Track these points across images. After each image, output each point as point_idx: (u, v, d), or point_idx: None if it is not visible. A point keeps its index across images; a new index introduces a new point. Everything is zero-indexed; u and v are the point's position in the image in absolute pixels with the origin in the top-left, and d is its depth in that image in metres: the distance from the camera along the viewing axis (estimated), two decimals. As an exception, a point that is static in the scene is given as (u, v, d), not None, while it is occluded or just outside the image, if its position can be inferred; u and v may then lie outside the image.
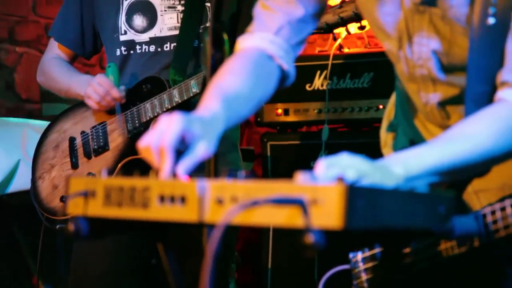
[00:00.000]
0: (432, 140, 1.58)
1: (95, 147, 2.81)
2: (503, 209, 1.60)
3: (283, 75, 1.88)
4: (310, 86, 3.68)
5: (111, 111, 2.80)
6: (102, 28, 2.92)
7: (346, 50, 3.69)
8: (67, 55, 3.04)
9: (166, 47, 2.79)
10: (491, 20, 1.63)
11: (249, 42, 1.88)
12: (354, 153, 1.41)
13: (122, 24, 2.84)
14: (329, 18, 2.97)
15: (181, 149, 1.49)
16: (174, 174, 1.45)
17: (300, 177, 1.31)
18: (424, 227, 1.36)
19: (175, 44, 2.76)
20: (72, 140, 2.87)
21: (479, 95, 1.66)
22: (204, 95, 1.68)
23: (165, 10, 2.80)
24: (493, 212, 1.62)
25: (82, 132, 2.86)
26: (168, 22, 2.80)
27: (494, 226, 1.61)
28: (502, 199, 1.69)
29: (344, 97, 3.61)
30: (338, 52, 3.64)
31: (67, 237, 1.40)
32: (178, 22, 2.78)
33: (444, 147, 1.52)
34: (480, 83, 1.66)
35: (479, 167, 1.59)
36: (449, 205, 1.40)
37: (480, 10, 1.64)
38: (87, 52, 3.04)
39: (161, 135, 1.48)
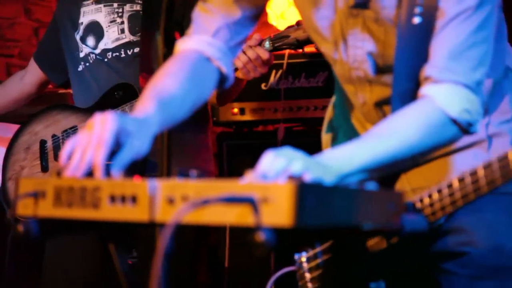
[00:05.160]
0: (361, 138, 1.62)
1: (66, 151, 2.84)
2: (439, 191, 1.63)
3: (222, 77, 1.90)
4: (265, 85, 3.69)
5: (84, 115, 2.85)
6: (66, 49, 3.02)
7: (301, 49, 3.70)
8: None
9: (109, 55, 2.89)
10: (417, 19, 1.66)
11: (187, 45, 1.89)
12: (311, 151, 1.43)
13: (80, 45, 2.96)
14: (299, 34, 2.97)
15: (113, 148, 1.50)
16: (108, 173, 1.46)
17: (251, 175, 1.32)
18: (374, 225, 1.38)
19: (117, 53, 2.87)
20: (43, 143, 2.90)
21: (405, 92, 1.70)
22: (141, 97, 1.70)
23: (108, 26, 2.91)
24: (430, 195, 1.65)
25: (53, 136, 2.89)
26: (112, 36, 2.91)
27: (431, 208, 1.64)
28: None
29: (300, 96, 3.62)
30: (293, 51, 3.65)
31: (16, 238, 1.39)
32: (118, 34, 2.89)
33: (373, 145, 1.56)
34: (406, 80, 1.70)
35: (407, 162, 1.64)
36: (398, 202, 1.42)
37: (407, 9, 1.67)
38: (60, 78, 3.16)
39: (98, 135, 1.50)
